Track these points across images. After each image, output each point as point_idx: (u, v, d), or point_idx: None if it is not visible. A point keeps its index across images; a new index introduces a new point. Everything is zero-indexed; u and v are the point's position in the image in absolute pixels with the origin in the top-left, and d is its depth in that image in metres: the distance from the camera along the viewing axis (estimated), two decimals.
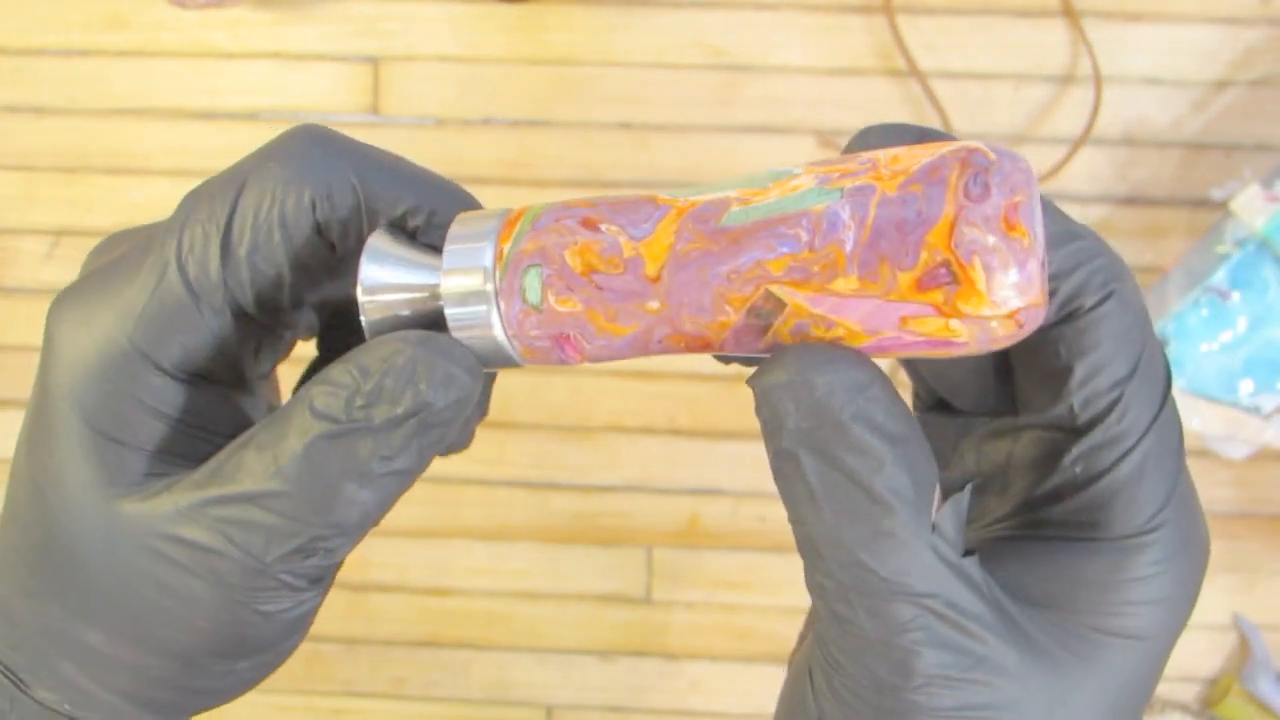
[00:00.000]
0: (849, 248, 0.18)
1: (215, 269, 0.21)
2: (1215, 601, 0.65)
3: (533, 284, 0.20)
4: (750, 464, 0.66)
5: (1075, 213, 0.63)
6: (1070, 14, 0.61)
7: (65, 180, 0.66)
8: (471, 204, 0.23)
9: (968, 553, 0.19)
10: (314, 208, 0.21)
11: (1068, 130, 0.62)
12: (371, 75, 0.64)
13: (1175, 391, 0.61)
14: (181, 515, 0.20)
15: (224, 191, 0.21)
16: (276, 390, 0.25)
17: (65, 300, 0.22)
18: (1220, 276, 0.57)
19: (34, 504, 0.21)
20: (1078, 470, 0.20)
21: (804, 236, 0.18)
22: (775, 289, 0.18)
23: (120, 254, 0.22)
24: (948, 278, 0.17)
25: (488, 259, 0.20)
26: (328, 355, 0.25)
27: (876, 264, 0.17)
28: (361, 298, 0.21)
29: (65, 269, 0.67)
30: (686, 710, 0.68)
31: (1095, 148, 0.62)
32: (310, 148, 0.22)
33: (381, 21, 0.64)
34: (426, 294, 0.21)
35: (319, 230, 0.22)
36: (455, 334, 0.20)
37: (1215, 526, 0.65)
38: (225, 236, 0.21)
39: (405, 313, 0.21)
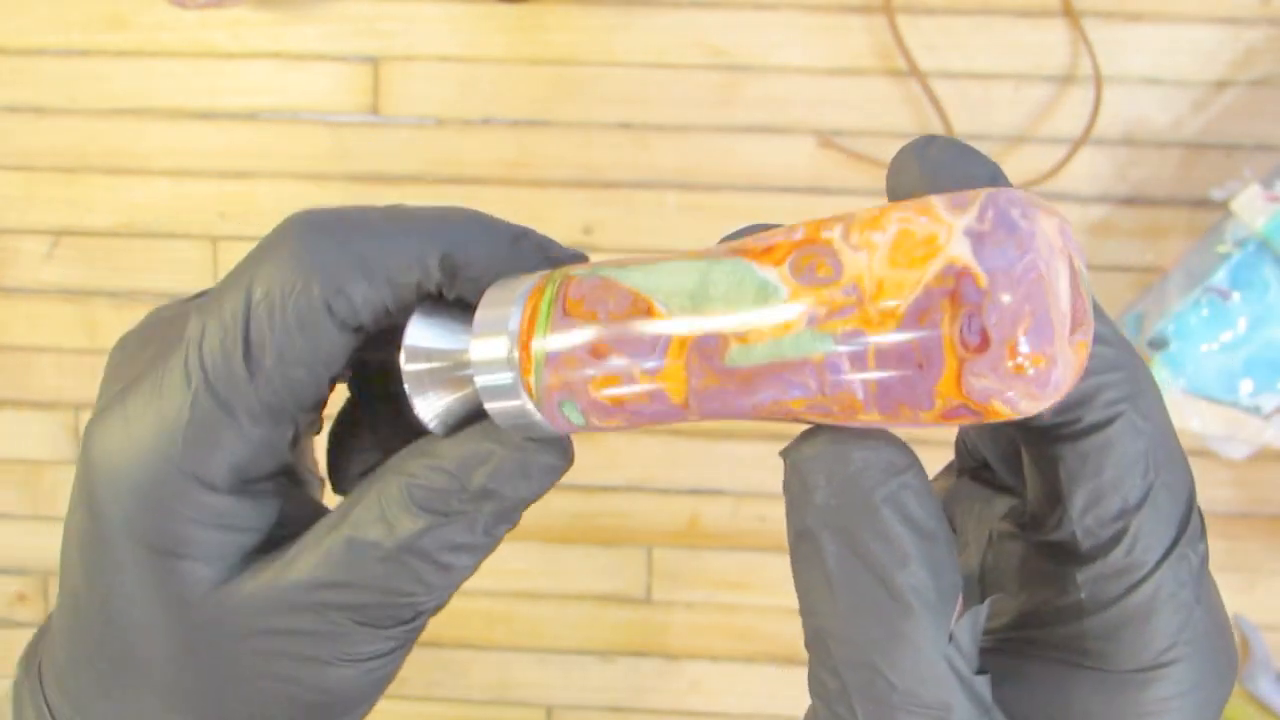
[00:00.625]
0: (861, 396, 0.17)
1: (245, 384, 0.21)
2: None
3: (573, 413, 0.20)
4: (750, 464, 0.66)
5: (1075, 213, 0.63)
6: (1070, 14, 0.61)
7: (65, 180, 0.66)
8: (477, 230, 0.22)
9: (980, 670, 0.18)
10: (329, 302, 0.21)
11: (1068, 130, 0.62)
12: (371, 75, 0.64)
13: (1175, 392, 0.61)
14: (279, 604, 0.21)
15: (233, 300, 0.21)
16: (313, 453, 0.25)
17: (102, 426, 0.22)
18: (1220, 276, 0.57)
19: (107, 623, 0.22)
20: (1083, 596, 0.19)
21: (812, 384, 0.17)
22: (805, 416, 0.18)
23: (146, 364, 0.22)
24: (971, 414, 0.17)
25: (516, 380, 0.20)
26: (361, 395, 0.25)
27: (895, 407, 0.17)
28: (413, 400, 0.21)
29: (65, 269, 0.67)
30: (686, 710, 0.68)
31: (1095, 148, 0.62)
32: (305, 238, 0.21)
33: (381, 21, 0.64)
34: (471, 381, 0.21)
35: (341, 322, 0.21)
36: (483, 394, 0.20)
37: (1215, 526, 0.65)
38: (247, 349, 0.20)
39: (458, 407, 0.21)
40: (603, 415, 0.19)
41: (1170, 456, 0.19)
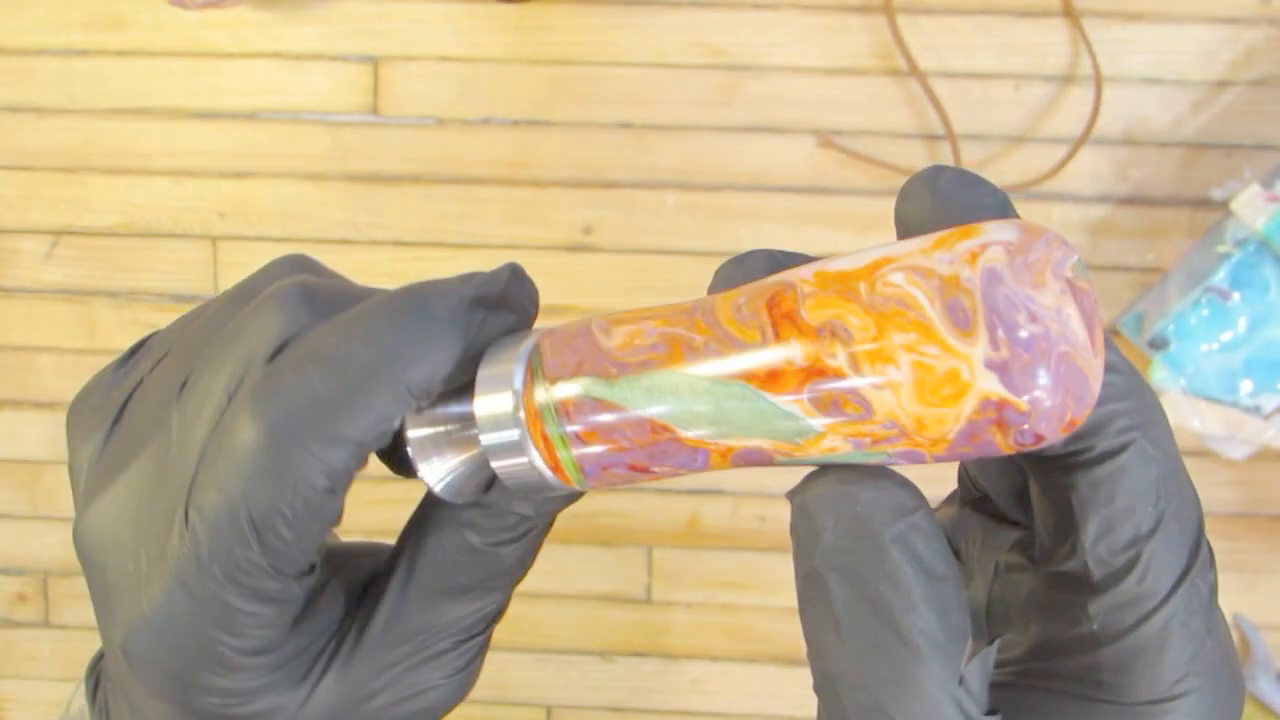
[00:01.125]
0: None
1: (265, 575, 0.20)
2: None
3: (592, 476, 0.20)
4: None
5: (1075, 213, 0.63)
6: (1070, 14, 0.61)
7: (65, 180, 0.66)
8: (433, 347, 0.21)
9: (991, 711, 0.18)
10: (305, 504, 0.20)
11: (1068, 130, 0.62)
12: (371, 75, 0.64)
13: (1175, 392, 0.61)
14: (362, 688, 0.22)
15: (222, 504, 0.20)
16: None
17: (122, 615, 0.21)
18: (1220, 276, 0.57)
19: None
20: (1095, 627, 0.19)
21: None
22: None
23: (139, 512, 0.21)
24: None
25: (531, 452, 0.20)
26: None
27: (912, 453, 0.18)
28: (419, 466, 0.21)
29: (65, 269, 0.67)
30: (686, 710, 0.68)
31: (1095, 148, 0.62)
32: (279, 444, 0.20)
33: (381, 21, 0.64)
34: (481, 459, 0.21)
35: (338, 490, 0.21)
36: (488, 449, 0.20)
37: (1215, 526, 0.65)
38: (266, 556, 0.20)
39: (465, 469, 0.21)
40: (629, 478, 0.20)
41: (1180, 486, 0.19)
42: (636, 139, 0.64)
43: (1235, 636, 0.66)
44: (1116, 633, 0.18)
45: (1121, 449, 0.18)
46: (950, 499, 0.24)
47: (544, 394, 0.19)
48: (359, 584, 0.24)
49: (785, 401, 0.17)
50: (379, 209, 0.65)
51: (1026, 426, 0.16)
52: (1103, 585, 0.18)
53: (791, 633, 0.67)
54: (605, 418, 0.19)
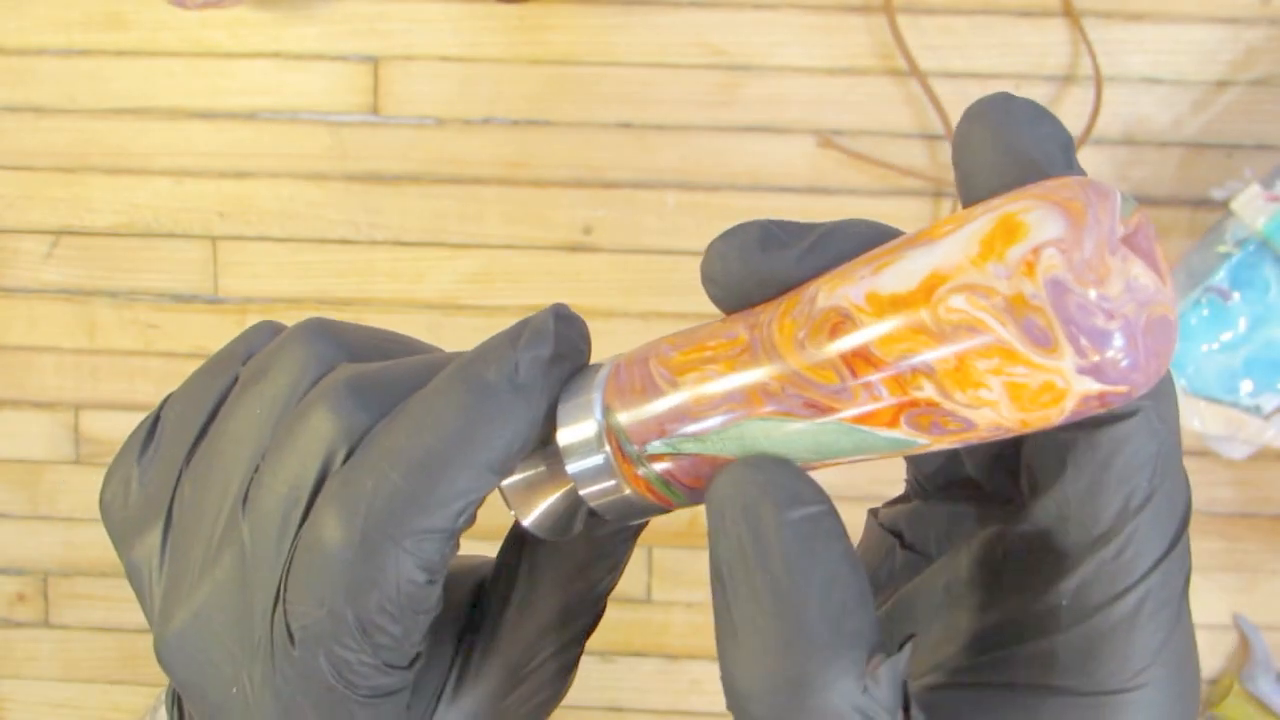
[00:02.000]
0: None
1: (381, 674, 0.20)
2: (1215, 601, 0.65)
3: (678, 496, 0.20)
4: None
5: None
6: (1070, 14, 0.61)
7: (65, 180, 0.66)
8: (504, 424, 0.21)
9: (906, 707, 0.17)
10: (430, 581, 0.21)
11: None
12: (371, 75, 0.64)
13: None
14: (479, 711, 0.22)
15: (334, 630, 0.20)
16: None
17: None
18: (1221, 276, 0.57)
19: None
20: (1064, 602, 0.18)
21: None
22: None
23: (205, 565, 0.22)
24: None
25: (628, 491, 0.20)
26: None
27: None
28: (514, 509, 0.22)
29: (65, 269, 0.67)
30: (686, 710, 0.68)
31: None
32: (363, 557, 0.20)
33: (381, 21, 0.64)
34: (562, 478, 0.21)
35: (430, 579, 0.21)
36: (575, 477, 0.21)
37: (1215, 527, 0.65)
38: (370, 641, 0.20)
39: (558, 505, 0.22)
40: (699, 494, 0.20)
41: (1176, 468, 0.18)
42: (636, 139, 0.64)
43: (1235, 636, 0.66)
44: (1086, 610, 0.18)
45: (1129, 414, 0.18)
46: (902, 497, 0.24)
47: (632, 450, 0.20)
48: (464, 605, 0.24)
49: (883, 428, 0.17)
50: (379, 209, 0.65)
51: (1130, 396, 0.16)
52: (1078, 553, 0.18)
53: None
54: (705, 467, 0.19)
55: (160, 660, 0.22)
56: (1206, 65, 0.62)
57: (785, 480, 0.17)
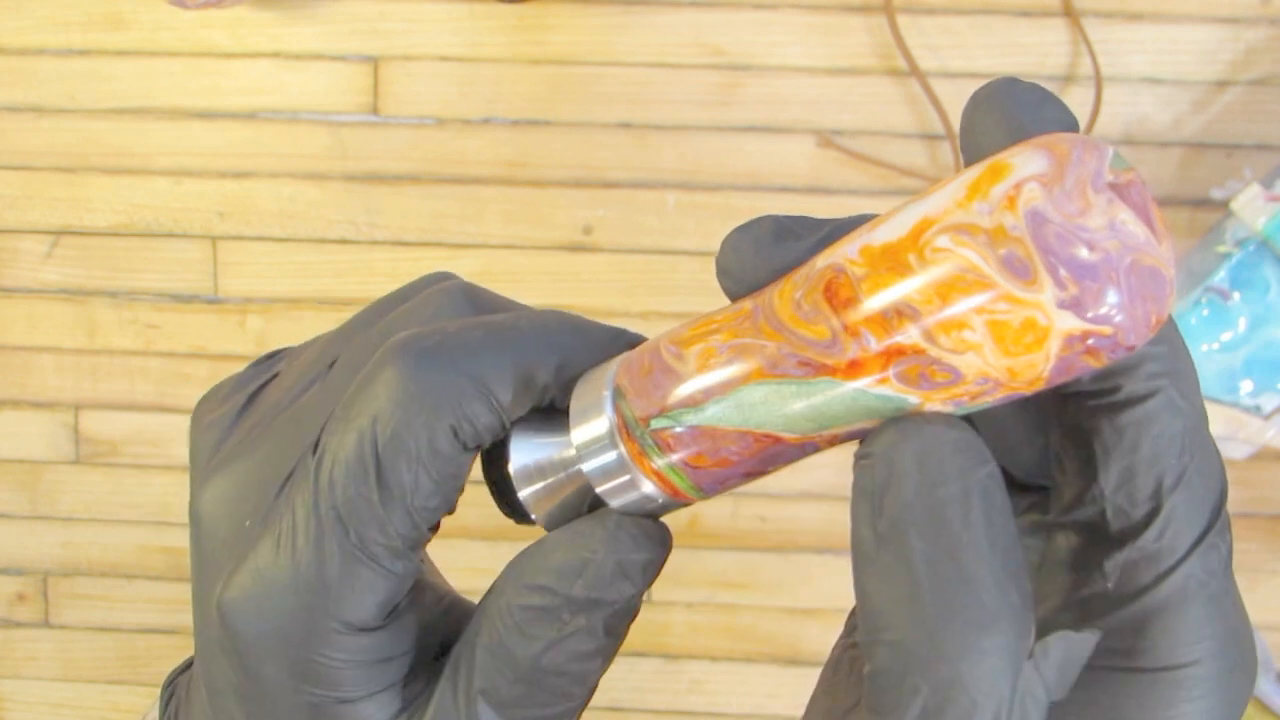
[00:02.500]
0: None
1: (384, 526, 0.20)
2: None
3: (667, 490, 0.20)
4: None
5: None
6: (1070, 14, 0.61)
7: (65, 180, 0.66)
8: (581, 339, 0.22)
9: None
10: (454, 431, 0.20)
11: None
12: (371, 75, 0.64)
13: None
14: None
15: (354, 439, 0.20)
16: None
17: (238, 590, 0.21)
18: (1220, 276, 0.57)
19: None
20: (1110, 585, 0.18)
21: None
22: None
23: (261, 501, 0.21)
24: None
25: (647, 486, 0.20)
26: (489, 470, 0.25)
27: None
28: (523, 496, 0.22)
29: (65, 269, 0.67)
30: (686, 710, 0.68)
31: None
32: (420, 368, 0.20)
33: (381, 21, 0.64)
34: (580, 478, 0.21)
35: (464, 445, 0.21)
36: (590, 475, 0.21)
37: None
38: (381, 492, 0.20)
39: (573, 500, 0.22)
40: (750, 482, 0.20)
41: (1204, 442, 0.18)
42: (636, 139, 0.64)
43: None
44: (1133, 591, 0.18)
45: (1149, 395, 0.18)
46: None
47: (642, 435, 0.20)
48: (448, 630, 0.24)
49: (873, 385, 0.17)
50: (379, 209, 0.65)
51: (1117, 343, 0.16)
52: (1120, 538, 0.18)
53: (791, 632, 0.67)
54: (707, 441, 0.19)
55: (191, 514, 0.22)
56: (1206, 65, 0.62)
57: (972, 438, 0.17)
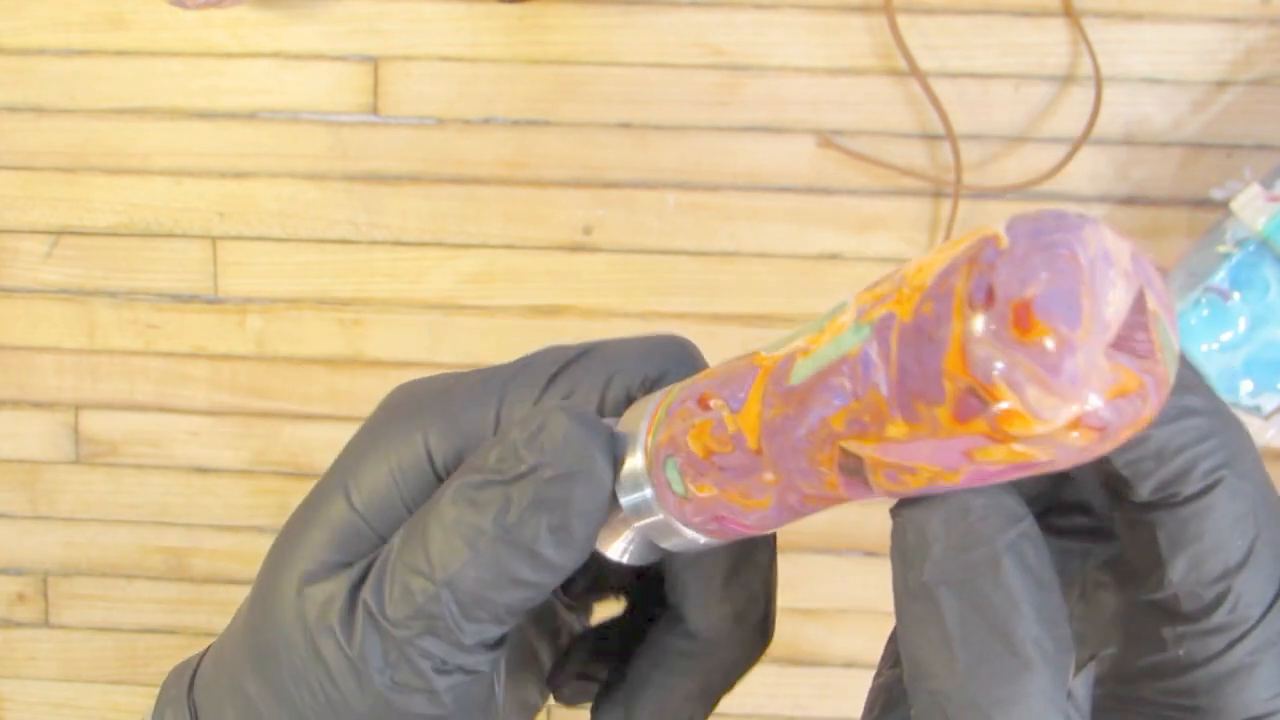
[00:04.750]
0: (885, 390, 0.16)
1: (526, 405, 0.21)
2: None
3: (673, 475, 0.19)
4: None
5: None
6: (1070, 14, 0.61)
7: (65, 180, 0.66)
8: (689, 356, 0.22)
9: None
10: (641, 388, 0.21)
11: (1068, 130, 0.62)
12: (371, 75, 0.64)
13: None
14: (336, 601, 0.21)
15: (573, 350, 0.22)
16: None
17: (401, 397, 0.22)
18: (1220, 276, 0.57)
19: (266, 558, 0.23)
20: (1181, 653, 0.18)
21: (848, 385, 0.16)
22: (848, 446, 0.17)
23: (472, 375, 0.22)
24: (979, 404, 0.15)
25: (643, 465, 0.20)
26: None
27: (912, 404, 0.16)
28: (606, 553, 0.22)
29: (65, 269, 0.67)
30: None
31: (1095, 148, 0.62)
32: (671, 342, 0.22)
33: (381, 21, 0.64)
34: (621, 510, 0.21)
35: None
36: (642, 527, 0.20)
37: None
38: (550, 381, 0.21)
39: (636, 537, 0.21)
40: (695, 475, 0.19)
41: (1271, 512, 0.18)
42: (636, 139, 0.64)
43: None
44: (1205, 658, 0.18)
45: (1208, 490, 0.18)
46: None
47: (661, 469, 0.20)
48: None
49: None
50: (379, 209, 0.65)
51: (988, 272, 0.15)
52: (1191, 616, 0.18)
53: (791, 633, 0.67)
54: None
55: None
56: (1206, 65, 0.62)
57: (999, 501, 0.17)
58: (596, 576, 0.26)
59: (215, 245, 0.66)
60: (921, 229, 0.63)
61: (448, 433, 0.21)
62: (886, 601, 0.71)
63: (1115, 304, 0.15)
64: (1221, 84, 0.62)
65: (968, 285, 0.15)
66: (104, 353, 0.67)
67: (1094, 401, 0.14)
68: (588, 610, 0.27)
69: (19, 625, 0.70)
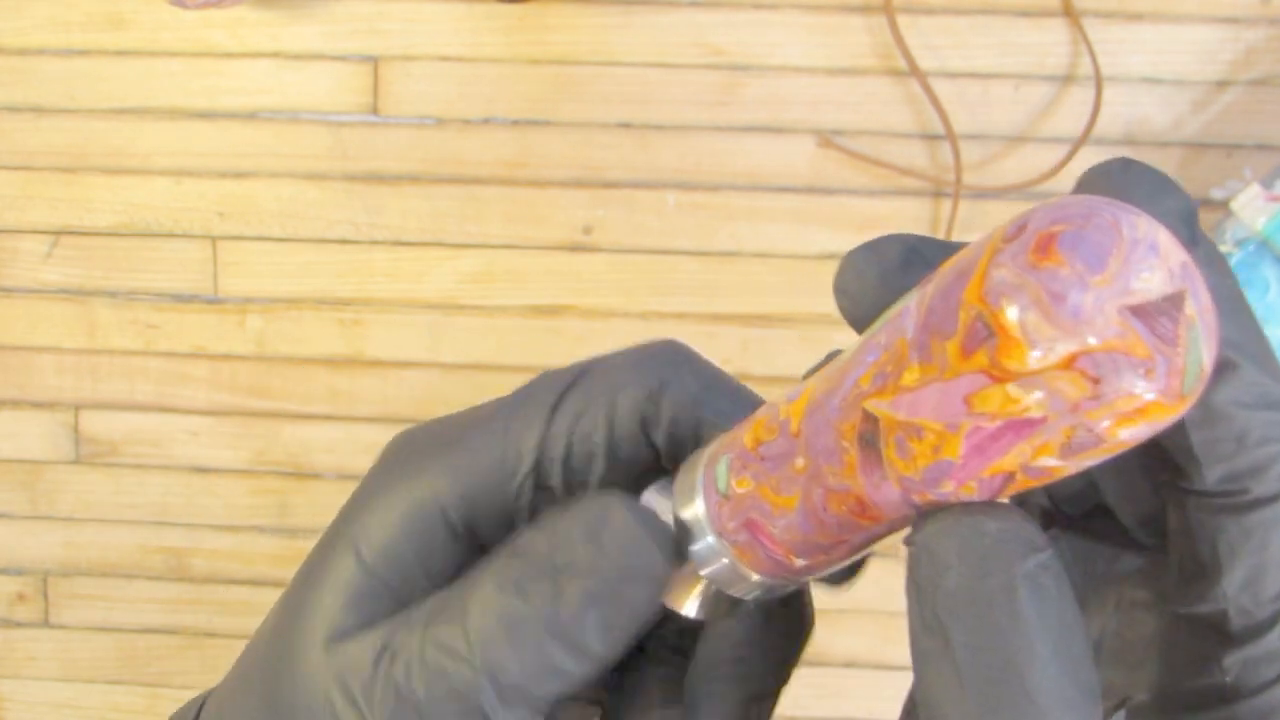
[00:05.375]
0: (910, 334, 0.16)
1: (534, 438, 0.21)
2: None
3: (722, 472, 0.19)
4: None
5: None
6: (1070, 14, 0.61)
7: (65, 180, 0.66)
8: (685, 356, 0.23)
9: None
10: (648, 402, 0.21)
11: (1068, 130, 0.62)
12: (371, 75, 0.64)
13: None
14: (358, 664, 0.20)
15: (571, 372, 0.21)
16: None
17: (402, 444, 0.22)
18: None
19: (274, 617, 0.22)
20: (1229, 679, 0.17)
21: (883, 339, 0.17)
22: (867, 405, 0.17)
23: (471, 414, 0.22)
24: (985, 332, 0.15)
25: (700, 470, 0.20)
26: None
27: (929, 341, 0.16)
28: (679, 610, 0.21)
29: (65, 269, 0.67)
30: None
31: (1095, 148, 0.62)
32: (663, 349, 0.21)
33: (381, 21, 0.64)
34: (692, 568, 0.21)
35: (645, 427, 0.21)
36: (693, 557, 0.20)
37: None
38: (552, 411, 0.21)
39: (698, 585, 0.21)
40: (740, 469, 0.19)
41: None
42: (636, 139, 0.64)
43: None
44: (1253, 688, 0.17)
45: (1276, 498, 0.17)
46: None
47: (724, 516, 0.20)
48: None
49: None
50: (379, 209, 0.65)
51: (1024, 217, 0.15)
52: (1242, 637, 0.17)
53: None
54: (763, 509, 0.19)
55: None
56: (1206, 65, 0.62)
57: (1017, 527, 0.16)
58: None
59: (215, 245, 0.66)
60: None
61: (456, 479, 0.21)
62: (886, 602, 0.71)
63: (1147, 282, 0.14)
64: (1221, 84, 0.62)
65: (1005, 227, 0.15)
66: (104, 353, 0.67)
67: (1092, 343, 0.14)
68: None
69: (19, 625, 0.70)
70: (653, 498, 0.21)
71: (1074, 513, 0.21)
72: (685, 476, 0.20)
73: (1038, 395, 0.15)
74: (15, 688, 0.71)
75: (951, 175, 0.63)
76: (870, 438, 0.17)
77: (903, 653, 0.66)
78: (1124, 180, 0.17)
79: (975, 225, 0.63)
